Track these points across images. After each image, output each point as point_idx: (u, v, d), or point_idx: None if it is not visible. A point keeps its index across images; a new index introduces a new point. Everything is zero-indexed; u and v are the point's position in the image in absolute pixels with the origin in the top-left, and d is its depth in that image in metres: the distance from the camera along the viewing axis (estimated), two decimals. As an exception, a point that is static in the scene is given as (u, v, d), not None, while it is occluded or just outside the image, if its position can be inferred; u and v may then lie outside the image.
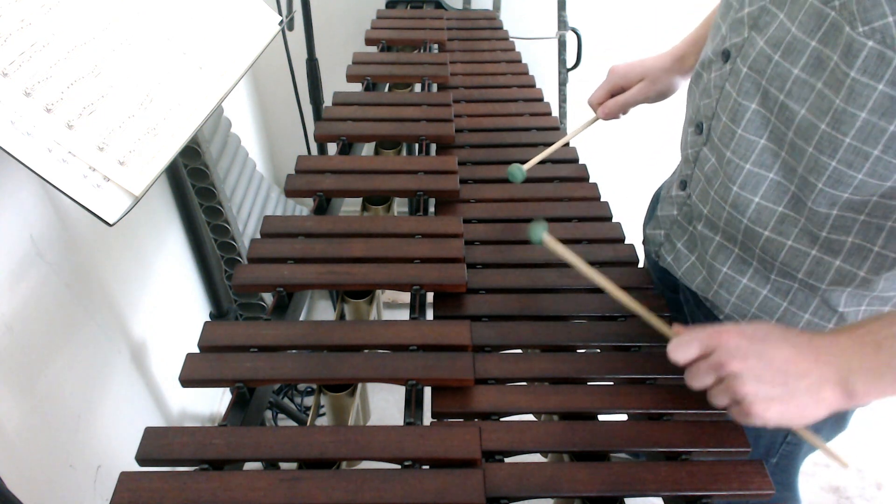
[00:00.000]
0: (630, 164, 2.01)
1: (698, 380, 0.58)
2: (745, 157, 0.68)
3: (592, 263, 0.80)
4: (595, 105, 0.98)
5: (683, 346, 0.59)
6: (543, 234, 0.70)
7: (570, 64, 1.68)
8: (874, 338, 0.54)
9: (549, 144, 1.04)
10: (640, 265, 0.84)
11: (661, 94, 0.94)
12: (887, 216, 0.61)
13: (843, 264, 0.66)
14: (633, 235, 0.92)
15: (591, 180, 0.96)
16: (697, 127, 0.76)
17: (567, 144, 1.03)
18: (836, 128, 0.57)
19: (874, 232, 0.63)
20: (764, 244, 0.70)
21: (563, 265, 0.81)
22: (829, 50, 0.56)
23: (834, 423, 0.82)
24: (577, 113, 1.70)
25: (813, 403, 0.54)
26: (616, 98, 0.95)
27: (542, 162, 0.95)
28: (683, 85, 0.93)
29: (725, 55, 0.70)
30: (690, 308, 0.86)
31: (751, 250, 0.72)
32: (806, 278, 0.69)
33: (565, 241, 0.84)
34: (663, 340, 0.71)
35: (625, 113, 0.98)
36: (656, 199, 0.97)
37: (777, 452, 0.84)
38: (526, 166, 0.91)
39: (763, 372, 0.54)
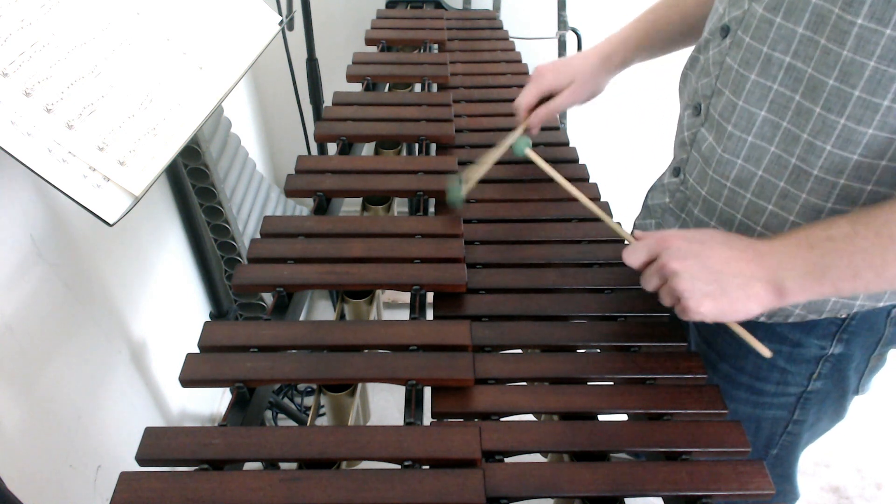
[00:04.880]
0: (630, 165, 2.01)
1: (648, 282, 0.64)
2: (746, 129, 0.68)
3: (592, 264, 0.81)
4: (525, 111, 0.92)
5: (634, 251, 0.64)
6: (526, 149, 0.80)
7: (570, 64, 1.68)
8: (808, 240, 0.58)
9: (549, 144, 1.05)
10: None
11: (591, 95, 0.94)
12: (895, 185, 0.61)
13: None
14: (633, 235, 0.92)
15: (591, 180, 0.96)
16: (695, 108, 0.76)
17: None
18: (845, 80, 0.58)
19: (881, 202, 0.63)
20: (767, 220, 0.69)
21: (564, 265, 0.81)
22: (829, 4, 0.57)
23: (833, 412, 0.82)
24: (577, 113, 1.70)
25: (744, 298, 0.58)
26: (547, 105, 0.91)
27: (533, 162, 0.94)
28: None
29: (724, 30, 0.70)
30: None
31: (750, 231, 0.72)
32: None
33: (565, 242, 0.84)
34: (663, 340, 0.71)
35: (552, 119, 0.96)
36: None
37: (777, 444, 0.84)
38: (467, 186, 0.85)
39: (699, 271, 0.59)
